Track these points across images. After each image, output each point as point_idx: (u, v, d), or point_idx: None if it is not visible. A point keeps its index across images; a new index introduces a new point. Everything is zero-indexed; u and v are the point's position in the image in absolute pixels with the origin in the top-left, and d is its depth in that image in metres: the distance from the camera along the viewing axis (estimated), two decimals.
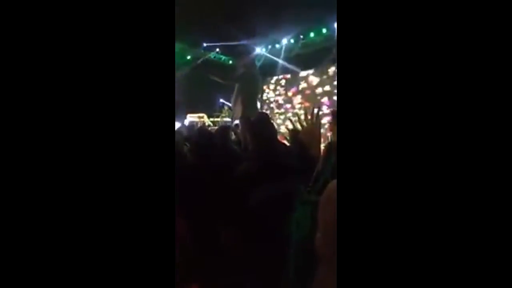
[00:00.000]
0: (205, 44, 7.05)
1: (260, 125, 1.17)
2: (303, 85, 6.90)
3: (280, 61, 7.03)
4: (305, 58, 6.77)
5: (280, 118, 6.93)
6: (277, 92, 7.38)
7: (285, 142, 2.16)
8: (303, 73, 6.89)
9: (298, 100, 6.96)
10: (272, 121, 1.39)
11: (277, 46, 7.15)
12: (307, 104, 6.64)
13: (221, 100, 6.83)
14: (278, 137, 1.29)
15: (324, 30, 6.40)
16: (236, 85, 2.76)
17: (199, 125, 4.85)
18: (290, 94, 7.14)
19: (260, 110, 4.10)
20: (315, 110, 1.17)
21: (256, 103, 2.86)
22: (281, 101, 7.30)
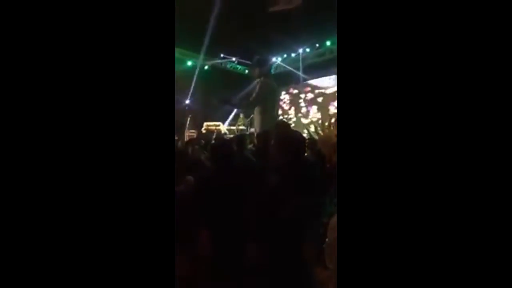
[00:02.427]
0: (222, 55, 7.20)
1: (289, 136, 1.17)
2: (319, 93, 6.86)
3: (296, 70, 7.04)
4: (321, 67, 6.75)
5: (297, 127, 6.89)
6: (293, 101, 7.36)
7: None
8: (319, 82, 6.86)
9: (314, 109, 6.92)
10: (298, 131, 1.37)
11: (293, 55, 7.19)
12: (324, 113, 6.58)
13: (236, 110, 6.89)
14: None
15: None
16: (254, 95, 2.77)
17: (215, 134, 4.90)
18: (306, 103, 7.11)
19: (281, 119, 4.07)
20: (332, 119, 1.16)
21: (273, 113, 2.85)
22: (297, 110, 7.28)
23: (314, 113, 6.85)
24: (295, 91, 7.34)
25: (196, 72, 6.93)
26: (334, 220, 0.81)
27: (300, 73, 7.02)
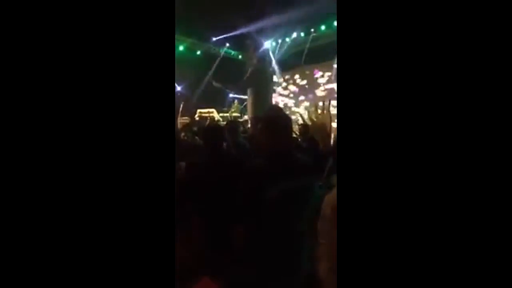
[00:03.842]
0: (214, 39, 7.04)
1: (273, 119, 1.16)
2: (313, 78, 6.82)
3: (291, 55, 6.96)
4: (316, 52, 6.68)
5: (290, 113, 6.89)
6: (287, 86, 7.33)
7: (296, 136, 2.15)
8: (313, 67, 6.81)
9: (308, 94, 6.90)
10: (286, 114, 1.37)
11: (287, 40, 7.08)
12: (317, 98, 6.58)
13: (231, 95, 6.85)
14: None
15: (335, 23, 6.28)
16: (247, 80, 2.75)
17: (208, 120, 4.87)
18: (300, 88, 7.08)
19: (274, 104, 4.08)
20: (326, 104, 1.16)
21: (267, 97, 2.84)
22: (291, 95, 7.26)
23: (307, 99, 6.84)
24: (290, 77, 7.28)
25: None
26: (328, 196, 0.82)
27: (295, 58, 6.95)
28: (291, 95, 7.27)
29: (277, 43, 7.19)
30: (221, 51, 7.33)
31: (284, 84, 7.36)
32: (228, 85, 2.81)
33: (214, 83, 2.85)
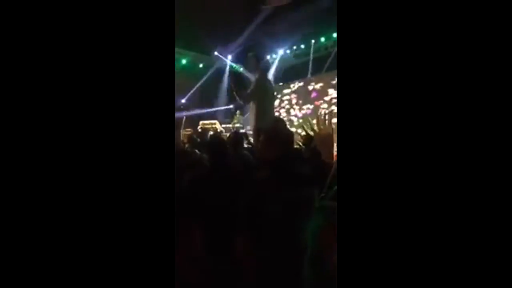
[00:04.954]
0: (216, 53, 7.17)
1: (276, 131, 1.17)
2: (316, 90, 6.86)
3: (292, 66, 7.04)
4: (317, 63, 6.75)
5: (292, 124, 6.90)
6: (289, 98, 7.37)
7: (298, 148, 2.15)
8: (315, 78, 6.86)
9: (311, 105, 6.92)
10: (288, 127, 1.38)
11: (288, 51, 7.17)
12: (320, 109, 6.59)
13: (232, 106, 6.90)
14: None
15: (334, 35, 6.37)
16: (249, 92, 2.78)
17: (211, 132, 4.89)
18: (302, 99, 7.11)
19: (276, 116, 4.09)
20: (327, 115, 1.17)
21: (270, 110, 2.85)
22: (293, 107, 7.29)
23: (310, 110, 6.86)
24: (291, 89, 7.33)
25: (209, 73, 6.96)
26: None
27: (296, 69, 7.01)
28: (293, 107, 7.29)
29: (277, 55, 7.28)
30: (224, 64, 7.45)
31: (286, 96, 7.41)
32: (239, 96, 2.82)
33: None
